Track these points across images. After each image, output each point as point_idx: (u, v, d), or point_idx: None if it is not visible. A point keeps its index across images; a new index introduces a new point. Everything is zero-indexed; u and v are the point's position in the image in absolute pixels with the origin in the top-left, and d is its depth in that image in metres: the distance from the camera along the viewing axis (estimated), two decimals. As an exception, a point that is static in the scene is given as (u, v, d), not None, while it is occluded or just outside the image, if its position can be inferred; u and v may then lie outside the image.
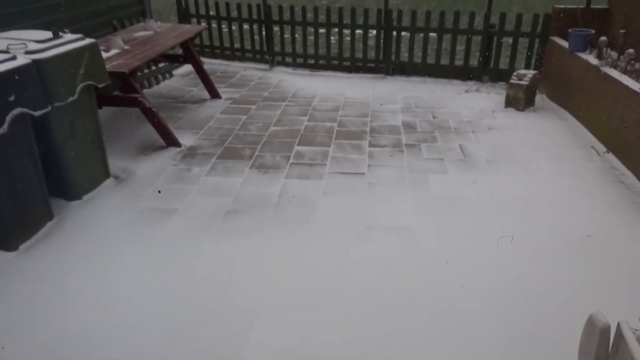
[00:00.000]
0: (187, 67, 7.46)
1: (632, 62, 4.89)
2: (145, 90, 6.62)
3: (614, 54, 5.33)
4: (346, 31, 7.53)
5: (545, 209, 3.79)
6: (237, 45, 8.28)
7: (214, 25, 8.27)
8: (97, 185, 4.13)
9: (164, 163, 4.62)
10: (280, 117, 5.80)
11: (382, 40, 7.37)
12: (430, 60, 7.34)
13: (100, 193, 4.06)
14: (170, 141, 4.95)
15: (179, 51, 6.24)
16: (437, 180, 4.27)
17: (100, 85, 3.95)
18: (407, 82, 7.15)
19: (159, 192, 3.93)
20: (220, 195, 4.06)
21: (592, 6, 6.15)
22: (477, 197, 3.97)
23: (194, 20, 8.28)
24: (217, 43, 8.41)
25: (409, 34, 7.24)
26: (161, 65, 6.97)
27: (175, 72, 7.56)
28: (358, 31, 7.52)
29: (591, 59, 5.25)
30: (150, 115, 4.78)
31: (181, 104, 6.25)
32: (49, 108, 3.43)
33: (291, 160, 4.68)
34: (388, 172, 4.43)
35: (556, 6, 6.29)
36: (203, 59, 7.87)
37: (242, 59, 8.30)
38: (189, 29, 6.11)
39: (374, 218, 3.70)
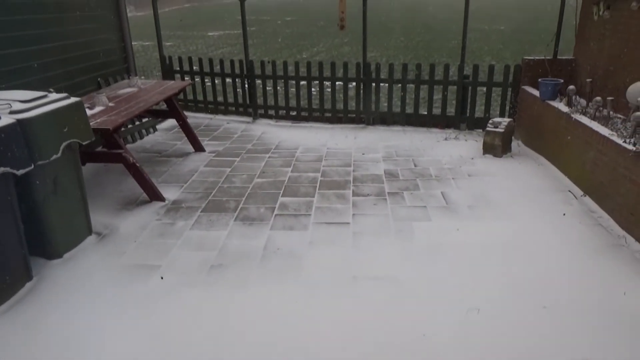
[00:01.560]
0: (171, 121, 7.56)
1: (600, 108, 5.12)
2: (128, 145, 6.67)
3: (583, 102, 5.59)
4: (327, 83, 7.78)
5: (528, 255, 3.83)
6: (220, 98, 8.46)
7: (197, 79, 8.47)
8: (79, 243, 4.07)
9: (148, 218, 4.60)
10: (264, 168, 5.86)
11: (362, 92, 7.61)
12: (409, 110, 7.58)
13: (82, 250, 4.00)
14: (154, 195, 4.94)
15: (163, 106, 6.34)
16: (421, 228, 4.31)
17: (84, 143, 3.98)
18: (387, 132, 7.34)
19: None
20: (204, 249, 4.03)
21: (559, 57, 6.49)
22: (461, 244, 4.01)
23: (178, 76, 8.47)
24: (200, 97, 8.58)
25: (387, 85, 7.50)
26: (145, 120, 7.06)
27: (159, 126, 7.64)
28: (338, 83, 7.77)
29: (562, 106, 5.48)
30: (134, 171, 4.79)
31: (165, 158, 6.29)
32: (32, 167, 3.43)
33: (276, 212, 4.70)
34: (372, 221, 4.46)
35: (525, 57, 6.62)
36: (187, 113, 7.98)
37: (225, 112, 8.45)
38: (173, 85, 6.24)
39: (360, 268, 3.70)
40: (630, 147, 4.02)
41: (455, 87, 7.20)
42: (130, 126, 6.79)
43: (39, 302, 3.34)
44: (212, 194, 5.15)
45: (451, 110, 7.52)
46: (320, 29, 32.91)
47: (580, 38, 6.26)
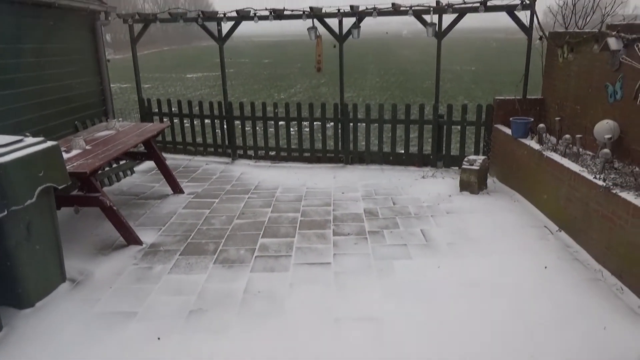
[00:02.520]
0: (149, 163, 7.50)
1: (570, 146, 5.30)
2: (105, 188, 6.57)
3: (553, 139, 5.79)
4: (305, 123, 7.89)
5: (509, 293, 3.85)
6: (199, 140, 8.47)
7: (176, 121, 8.49)
8: (52, 290, 3.93)
9: (124, 262, 4.48)
10: (244, 209, 5.83)
11: (340, 132, 7.73)
12: (387, 148, 7.71)
13: (55, 298, 3.86)
14: (131, 239, 4.84)
15: (141, 148, 6.32)
16: (402, 266, 4.31)
17: (60, 187, 3.91)
18: (366, 171, 7.42)
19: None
20: (183, 293, 3.93)
21: (528, 96, 6.75)
22: (442, 282, 4.01)
23: (156, 118, 8.48)
24: (179, 139, 8.58)
25: (365, 125, 7.64)
26: (122, 162, 7.00)
27: (137, 168, 7.58)
28: (317, 123, 7.89)
29: (533, 144, 5.66)
30: (111, 214, 4.71)
31: (143, 200, 6.21)
32: (5, 212, 3.35)
33: (256, 253, 4.65)
34: (353, 261, 4.45)
35: (497, 97, 6.86)
36: (165, 155, 7.96)
37: (204, 153, 8.45)
38: (151, 127, 6.24)
39: (342, 309, 3.65)
40: (600, 182, 4.15)
41: (430, 126, 7.38)
42: (107, 169, 6.71)
43: (7, 354, 3.18)
44: (191, 236, 5.07)
45: (427, 149, 7.68)
46: (298, 70, 33.62)
47: (547, 79, 6.54)
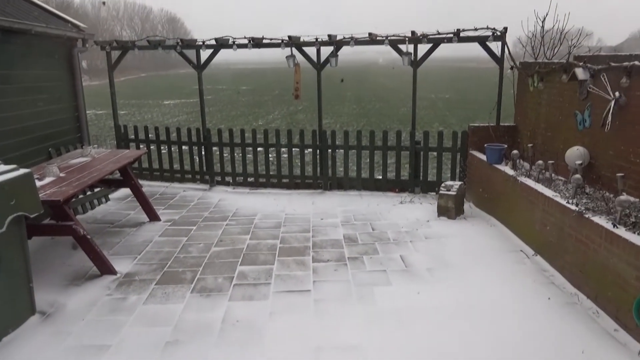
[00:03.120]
0: (125, 190, 7.39)
1: (543, 171, 5.44)
2: (79, 216, 6.42)
3: (527, 165, 5.93)
4: (284, 150, 7.91)
5: (488, 318, 3.86)
6: (176, 166, 8.39)
7: (152, 147, 8.41)
8: (21, 324, 3.77)
9: (98, 293, 4.35)
10: (222, 237, 5.76)
11: (318, 158, 7.77)
12: (365, 174, 7.77)
13: (23, 333, 3.70)
14: (105, 269, 4.71)
15: (117, 175, 6.22)
16: (382, 292, 4.29)
17: (32, 215, 3.80)
18: (344, 196, 7.45)
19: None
20: (159, 324, 3.82)
21: (501, 123, 6.94)
22: (423, 308, 4.00)
23: (133, 144, 8.39)
24: (156, 165, 8.48)
25: (343, 151, 7.71)
26: (97, 189, 6.86)
27: (112, 195, 7.44)
28: (295, 149, 7.92)
29: (508, 169, 5.78)
30: (84, 243, 4.59)
31: (117, 228, 6.07)
32: (-27, 243, 3.22)
33: (234, 282, 4.57)
34: (333, 288, 4.41)
35: (471, 124, 7.02)
36: (142, 182, 7.84)
37: (181, 180, 8.37)
38: (128, 154, 6.16)
39: (322, 338, 3.60)
40: (573, 207, 4.25)
41: (408, 152, 7.49)
42: (81, 196, 6.56)
43: (-30, 393, 3.02)
44: (168, 264, 4.97)
45: (405, 175, 7.77)
46: (275, 97, 33.90)
47: (519, 107, 6.74)
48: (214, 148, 8.21)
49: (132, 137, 8.37)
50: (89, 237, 4.61)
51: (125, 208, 6.91)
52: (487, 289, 4.31)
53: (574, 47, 6.86)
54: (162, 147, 8.41)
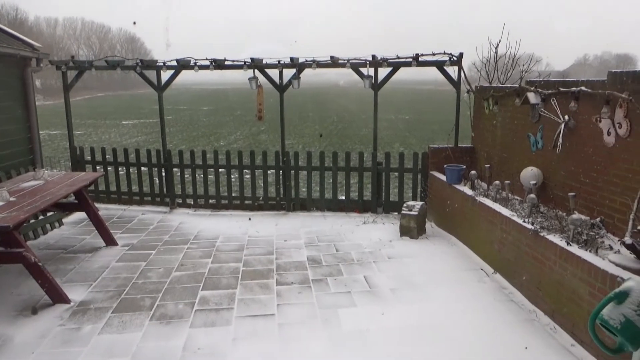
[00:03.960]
0: (80, 214, 7.11)
1: (500, 191, 5.62)
2: (30, 242, 6.12)
3: (484, 185, 6.11)
4: (246, 171, 7.85)
5: (451, 337, 3.90)
6: (135, 188, 8.17)
7: (110, 169, 8.16)
8: (-37, 360, 3.52)
9: (49, 324, 4.12)
10: (183, 261, 5.61)
11: (281, 179, 7.75)
12: (328, 195, 7.80)
13: (-34, 369, 3.46)
14: (58, 297, 4.48)
15: (72, 198, 5.98)
16: (346, 314, 4.27)
17: (-23, 243, 3.59)
18: (308, 217, 7.43)
19: None
20: (115, 355, 3.65)
21: (459, 144, 7.15)
22: (388, 329, 4.01)
23: (89, 166, 8.12)
24: (113, 187, 8.22)
25: (306, 172, 7.72)
26: (50, 214, 6.57)
27: (66, 219, 7.14)
28: (258, 170, 7.87)
29: (466, 189, 5.94)
30: (35, 270, 4.36)
31: (71, 254, 5.82)
32: None
33: (196, 307, 4.44)
34: (298, 311, 4.36)
35: (431, 145, 7.20)
36: (98, 205, 7.58)
37: (140, 202, 8.14)
38: (84, 177, 5.95)
39: (287, 363, 3.54)
40: (529, 226, 4.39)
41: (370, 173, 7.58)
42: (32, 221, 6.26)
43: None
44: (125, 291, 4.78)
45: (368, 195, 7.85)
46: (237, 117, 33.78)
47: (476, 129, 6.98)
48: (175, 169, 8.06)
49: (89, 158, 8.11)
50: (40, 264, 4.39)
51: (81, 232, 6.64)
52: (449, 308, 4.36)
53: (525, 72, 7.21)
54: (120, 169, 8.18)
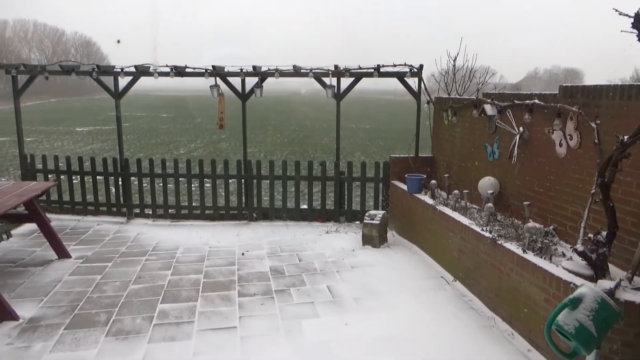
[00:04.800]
0: (30, 225, 6.77)
1: (459, 200, 5.75)
2: (-26, 255, 5.77)
3: (444, 194, 6.24)
4: (207, 180, 7.71)
5: (414, 345, 3.94)
6: (90, 198, 7.87)
7: (63, 177, 7.83)
8: None
9: (-5, 343, 3.89)
10: (141, 273, 5.43)
11: (243, 188, 7.66)
12: (291, 204, 7.76)
13: None
14: (5, 314, 4.24)
15: (22, 209, 5.69)
16: (310, 325, 4.24)
17: None
18: (270, 227, 7.37)
19: None
20: (68, 374, 3.48)
21: (420, 154, 7.29)
22: (351, 339, 4.00)
23: (41, 175, 7.78)
24: (67, 197, 7.89)
25: (268, 181, 7.66)
26: (-3, 225, 6.24)
27: (15, 231, 6.78)
28: (219, 180, 7.75)
29: (427, 199, 6.05)
30: (-19, 286, 4.11)
31: (21, 268, 5.52)
32: None
33: (154, 321, 4.30)
34: (260, 323, 4.29)
35: (392, 155, 7.30)
36: (50, 216, 7.27)
37: (95, 212, 7.85)
38: (35, 187, 5.69)
39: (250, 377, 3.47)
40: (487, 234, 4.51)
41: (332, 182, 7.60)
42: (-23, 233, 5.92)
43: None
44: (79, 306, 4.58)
45: (330, 204, 7.87)
46: (198, 125, 33.27)
47: (436, 139, 7.14)
48: (133, 178, 7.82)
49: (40, 167, 7.77)
50: (-14, 279, 4.14)
51: (31, 245, 6.33)
52: (411, 317, 4.41)
53: (482, 84, 7.46)
54: (73, 178, 7.87)
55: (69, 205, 7.87)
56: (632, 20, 2.67)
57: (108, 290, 4.97)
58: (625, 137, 3.18)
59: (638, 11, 2.63)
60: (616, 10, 2.70)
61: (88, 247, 6.30)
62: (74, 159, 7.84)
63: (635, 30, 2.69)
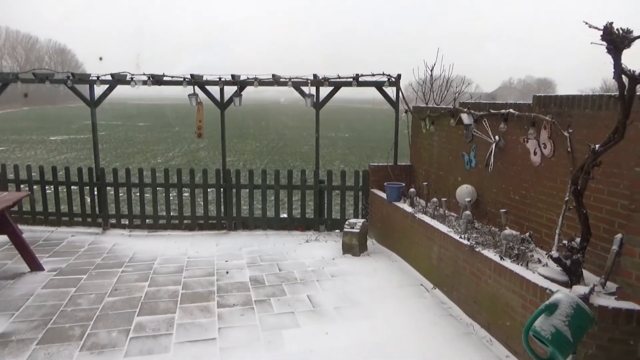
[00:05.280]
0: (1, 237, 6.56)
1: (438, 208, 5.82)
2: (-59, 269, 5.57)
3: (423, 202, 6.30)
4: (186, 189, 7.63)
5: (394, 354, 3.95)
6: (64, 208, 7.69)
7: (36, 187, 7.64)
8: None
9: (-37, 360, 3.75)
10: (117, 285, 5.32)
11: (222, 197, 7.59)
12: (270, 213, 7.73)
13: None
14: (-26, 330, 4.09)
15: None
16: (290, 335, 4.21)
17: None
18: (250, 237, 7.32)
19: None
20: (41, 391, 3.38)
21: (398, 163, 7.35)
22: (332, 349, 3.99)
23: (13, 186, 7.57)
24: (40, 208, 7.70)
25: (247, 190, 7.62)
26: (-34, 237, 6.04)
27: (-15, 243, 6.58)
28: (198, 189, 7.67)
29: (406, 207, 6.10)
30: (-52, 301, 3.96)
31: (-9, 281, 5.36)
32: None
33: (131, 334, 4.21)
34: (240, 334, 4.25)
35: (371, 164, 7.35)
36: (22, 227, 7.08)
37: (70, 223, 7.67)
38: (6, 197, 5.55)
39: (229, 390, 3.42)
40: (465, 242, 4.57)
41: (312, 190, 7.60)
42: (-55, 246, 5.73)
43: None
44: (52, 320, 4.45)
45: (310, 212, 7.86)
46: (176, 134, 32.94)
47: (414, 147, 7.22)
48: (109, 188, 7.67)
49: (12, 177, 7.56)
50: (-46, 294, 3.99)
51: (1, 257, 6.14)
52: (392, 325, 4.42)
53: (458, 93, 7.59)
54: (47, 188, 7.68)
55: (42, 216, 7.67)
56: (601, 32, 2.76)
57: (83, 303, 4.85)
58: (597, 146, 3.26)
59: (606, 24, 2.72)
60: (586, 23, 2.78)
61: (62, 259, 6.15)
62: (47, 168, 7.66)
63: (604, 43, 2.77)
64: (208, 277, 5.62)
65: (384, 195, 6.69)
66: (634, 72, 2.81)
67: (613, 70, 2.84)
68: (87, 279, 5.50)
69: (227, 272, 5.78)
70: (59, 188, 7.69)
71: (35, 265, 5.69)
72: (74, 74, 7.27)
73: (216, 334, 4.24)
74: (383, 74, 7.03)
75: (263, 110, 59.45)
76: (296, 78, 7.15)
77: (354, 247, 6.36)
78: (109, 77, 7.18)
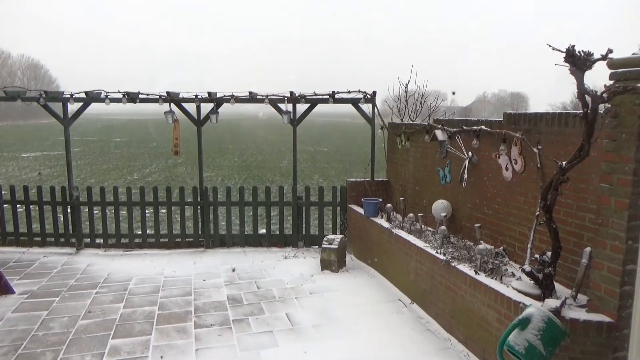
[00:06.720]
0: (-31, 260, 6.38)
1: (414, 223, 5.88)
2: None
3: (400, 217, 6.37)
4: (162, 207, 7.54)
5: (372, 368, 3.96)
6: (36, 228, 7.51)
7: (7, 206, 7.45)
8: None
9: None
10: (91, 307, 5.20)
11: (200, 215, 7.53)
12: (248, 230, 7.69)
13: None
14: (-61, 358, 3.95)
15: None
16: (269, 355, 4.18)
17: None
18: (228, 254, 7.26)
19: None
20: (10, 421, 3.27)
21: (375, 178, 7.42)
22: (310, 367, 3.97)
23: (-18, 205, 7.37)
24: (10, 228, 7.50)
25: (225, 207, 7.57)
26: None
27: (-48, 266, 6.37)
28: (175, 207, 7.59)
29: (383, 222, 6.15)
30: None
31: (-42, 306, 5.18)
32: None
33: (105, 358, 4.12)
34: (218, 355, 4.19)
35: (349, 179, 7.40)
36: (-9, 248, 6.88)
37: (42, 244, 7.49)
38: (-25, 219, 5.38)
39: (207, 413, 3.37)
40: (441, 257, 4.63)
41: (290, 207, 7.60)
42: None
43: None
44: (23, 345, 4.32)
45: (288, 228, 7.85)
46: (152, 149, 32.56)
47: (390, 163, 7.31)
48: (83, 207, 7.53)
49: (-19, 197, 7.37)
50: None
51: (-31, 280, 5.95)
52: (370, 342, 4.42)
53: (433, 109, 7.74)
54: (18, 207, 7.50)
55: (13, 237, 7.47)
56: (564, 55, 2.88)
57: (55, 327, 4.72)
58: (564, 163, 3.37)
59: (568, 47, 2.84)
60: (550, 46, 2.90)
61: (33, 281, 5.99)
62: (18, 186, 7.49)
63: (566, 65, 2.89)
64: (185, 296, 5.54)
65: (361, 210, 6.74)
66: (595, 92, 2.92)
67: (576, 90, 2.96)
68: (59, 301, 5.36)
69: (204, 280, 5.75)
70: (31, 207, 7.52)
71: (4, 289, 5.53)
72: (47, 92, 7.17)
73: (193, 355, 4.18)
74: (359, 91, 7.13)
75: (241, 125, 59.35)
76: (273, 95, 7.18)
77: (333, 263, 6.37)
78: (82, 95, 7.10)
